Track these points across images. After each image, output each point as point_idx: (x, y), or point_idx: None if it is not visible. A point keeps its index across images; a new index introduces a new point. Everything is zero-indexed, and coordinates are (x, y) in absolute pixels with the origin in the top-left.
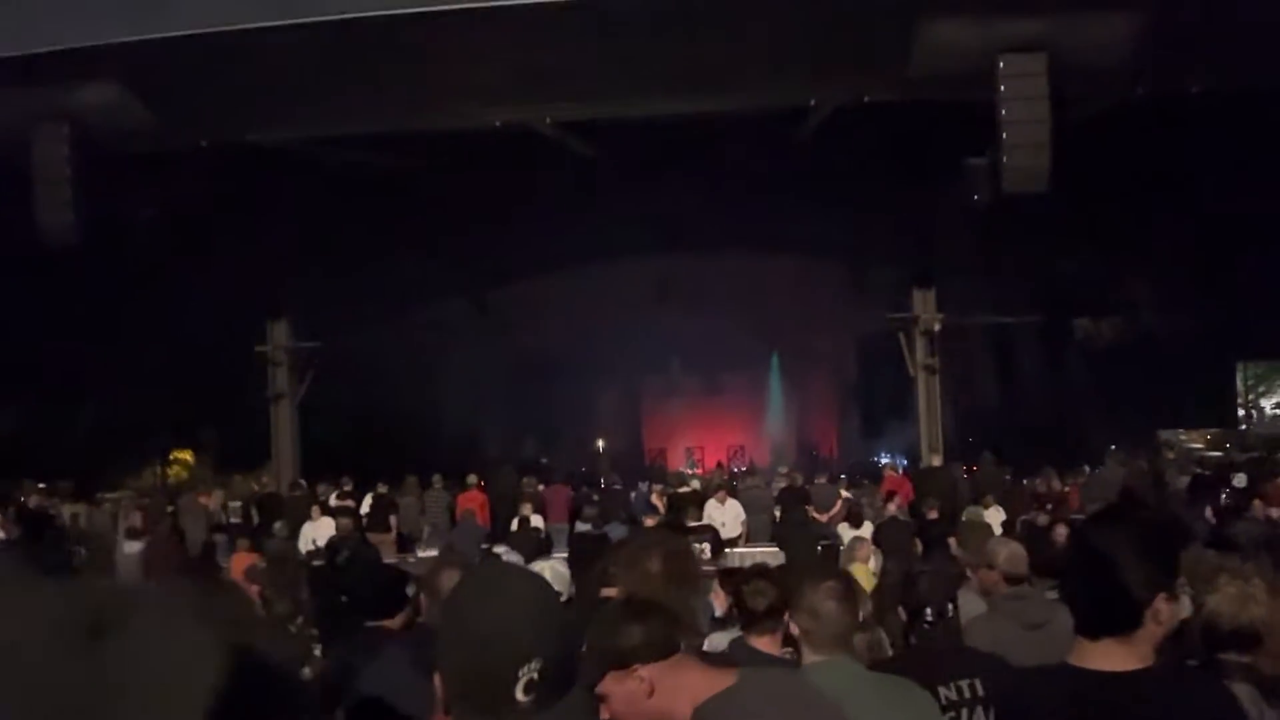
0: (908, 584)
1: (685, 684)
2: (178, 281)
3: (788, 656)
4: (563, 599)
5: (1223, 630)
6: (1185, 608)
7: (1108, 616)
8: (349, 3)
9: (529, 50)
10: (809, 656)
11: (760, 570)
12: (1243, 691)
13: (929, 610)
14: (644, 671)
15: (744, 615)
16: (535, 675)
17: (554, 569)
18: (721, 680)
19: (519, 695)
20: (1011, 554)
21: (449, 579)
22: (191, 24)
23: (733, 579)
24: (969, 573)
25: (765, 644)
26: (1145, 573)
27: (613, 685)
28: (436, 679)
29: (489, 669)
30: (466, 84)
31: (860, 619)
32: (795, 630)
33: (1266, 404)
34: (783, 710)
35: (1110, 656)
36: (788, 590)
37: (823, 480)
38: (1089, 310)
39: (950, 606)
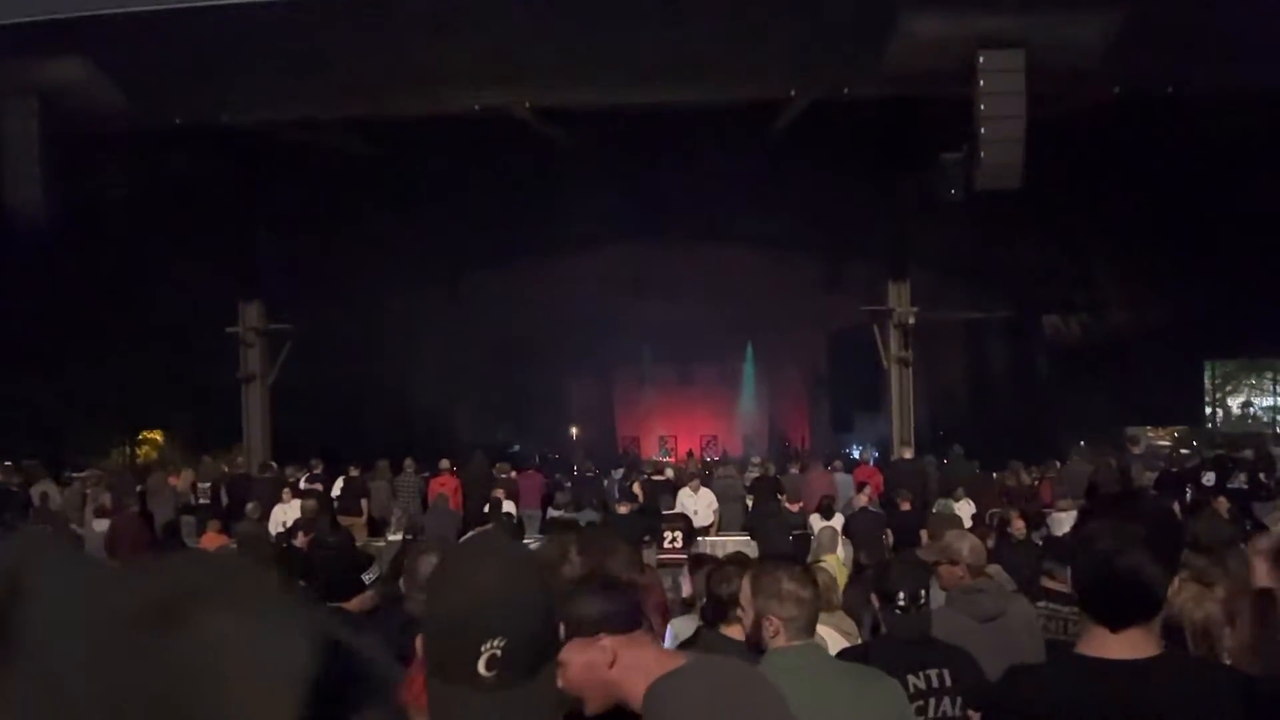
0: (881, 571)
1: (642, 661)
2: (150, 261)
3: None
4: None
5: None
6: None
7: (1136, 606)
8: None
9: (507, 34)
10: (779, 642)
11: (733, 558)
12: None
13: (902, 595)
14: (608, 641)
15: (712, 601)
16: (498, 652)
17: None
18: (674, 661)
19: (481, 670)
20: (973, 547)
21: (426, 564)
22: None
23: (703, 566)
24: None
25: (736, 632)
26: (1165, 559)
27: (574, 654)
28: (418, 643)
29: (454, 641)
30: (445, 67)
31: (832, 607)
32: (774, 620)
33: (1234, 402)
34: (732, 694)
35: (1134, 644)
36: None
37: (795, 470)
38: (1059, 307)
39: (923, 593)
